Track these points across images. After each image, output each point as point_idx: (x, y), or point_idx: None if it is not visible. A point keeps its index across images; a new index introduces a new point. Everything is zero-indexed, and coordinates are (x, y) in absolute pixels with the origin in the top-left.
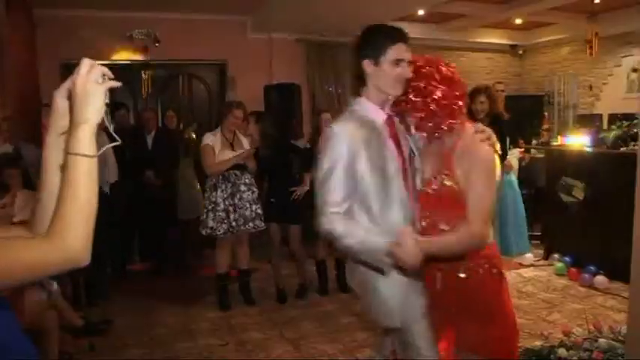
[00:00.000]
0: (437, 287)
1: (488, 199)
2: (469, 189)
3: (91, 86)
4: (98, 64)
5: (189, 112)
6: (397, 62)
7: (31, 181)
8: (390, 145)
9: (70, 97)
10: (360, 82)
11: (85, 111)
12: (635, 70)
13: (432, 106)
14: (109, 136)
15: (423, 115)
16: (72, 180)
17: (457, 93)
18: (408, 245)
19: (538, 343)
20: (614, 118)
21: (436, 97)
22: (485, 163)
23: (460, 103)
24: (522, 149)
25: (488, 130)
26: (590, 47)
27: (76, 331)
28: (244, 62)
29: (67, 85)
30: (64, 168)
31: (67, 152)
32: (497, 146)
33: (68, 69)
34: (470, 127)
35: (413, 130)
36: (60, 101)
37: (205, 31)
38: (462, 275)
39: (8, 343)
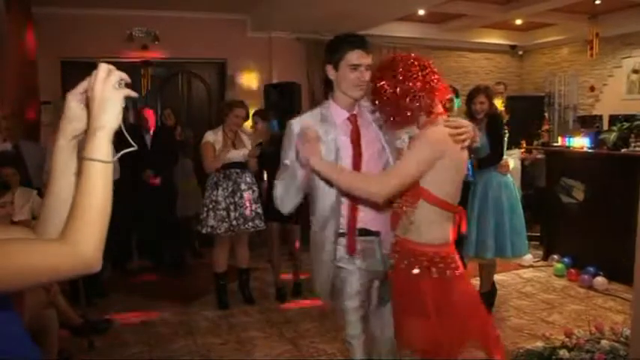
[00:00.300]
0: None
1: (405, 167)
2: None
3: (109, 92)
4: (116, 70)
5: (188, 110)
6: (354, 67)
7: (30, 180)
8: (345, 141)
9: (87, 101)
10: (328, 87)
11: (102, 117)
12: (635, 72)
13: (387, 107)
14: (124, 141)
15: (383, 115)
16: (87, 185)
17: (416, 89)
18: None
19: (539, 344)
20: (614, 119)
21: (388, 96)
22: (422, 138)
23: (422, 99)
24: (523, 150)
25: (465, 125)
26: (591, 48)
27: (76, 329)
28: (244, 61)
29: (81, 88)
30: (78, 173)
31: (83, 157)
32: (477, 139)
33: (68, 66)
34: (441, 120)
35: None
36: (73, 105)
37: (205, 30)
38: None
39: (13, 342)
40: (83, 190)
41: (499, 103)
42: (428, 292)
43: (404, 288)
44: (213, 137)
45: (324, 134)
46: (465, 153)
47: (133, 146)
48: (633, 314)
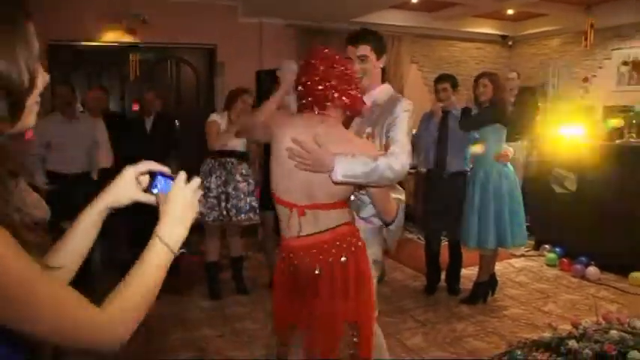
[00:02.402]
0: None
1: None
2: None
3: (192, 198)
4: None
5: (176, 97)
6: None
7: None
8: None
9: (161, 201)
10: None
11: (185, 217)
12: (625, 64)
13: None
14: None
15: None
16: (149, 266)
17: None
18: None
19: (547, 334)
20: (609, 111)
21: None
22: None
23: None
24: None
25: (306, 152)
26: (586, 39)
27: None
28: (234, 47)
29: (144, 168)
30: (146, 248)
31: (160, 237)
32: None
33: (54, 50)
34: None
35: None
36: (129, 179)
37: (195, 15)
38: None
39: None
40: (143, 269)
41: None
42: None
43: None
44: (219, 119)
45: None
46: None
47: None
48: None
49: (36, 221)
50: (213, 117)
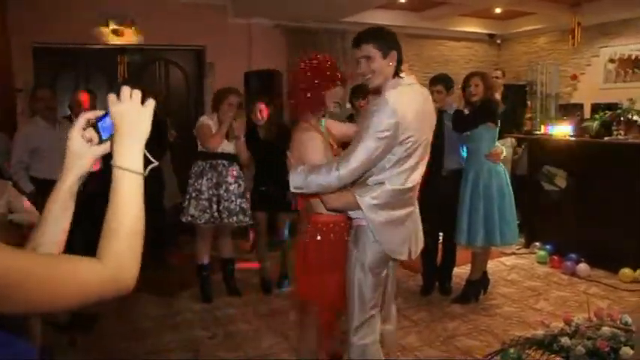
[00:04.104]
0: None
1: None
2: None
3: (137, 111)
4: (135, 90)
5: (165, 99)
6: (357, 62)
7: (1, 170)
8: None
9: (114, 124)
10: None
11: (136, 130)
12: (612, 61)
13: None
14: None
15: None
16: (123, 201)
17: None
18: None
19: (540, 331)
20: (596, 108)
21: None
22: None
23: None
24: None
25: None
26: (573, 37)
27: (59, 326)
28: (223, 48)
29: (82, 122)
30: (112, 183)
31: (117, 166)
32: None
33: (40, 53)
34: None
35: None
36: (77, 140)
37: (183, 16)
38: None
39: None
40: (118, 206)
41: (498, 93)
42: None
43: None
44: (209, 121)
45: None
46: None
47: (153, 162)
48: None
49: (27, 224)
50: (204, 120)
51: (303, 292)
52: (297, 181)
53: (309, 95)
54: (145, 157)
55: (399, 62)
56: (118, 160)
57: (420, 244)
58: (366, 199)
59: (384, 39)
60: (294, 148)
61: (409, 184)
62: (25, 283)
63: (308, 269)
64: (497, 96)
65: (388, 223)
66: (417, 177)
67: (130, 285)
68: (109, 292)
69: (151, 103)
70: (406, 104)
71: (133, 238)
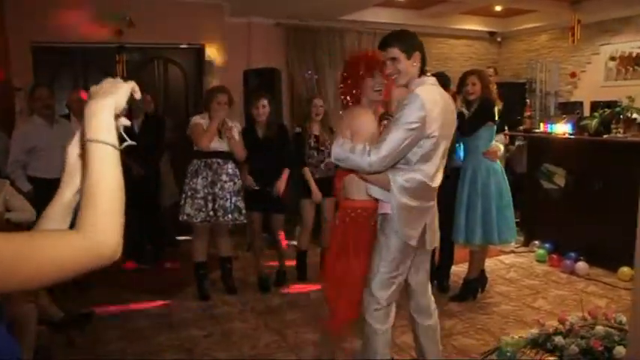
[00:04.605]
0: None
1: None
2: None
3: (114, 84)
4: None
5: (165, 98)
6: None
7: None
8: None
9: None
10: None
11: (107, 99)
12: (612, 59)
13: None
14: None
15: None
16: (95, 170)
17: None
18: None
19: (534, 330)
20: (596, 106)
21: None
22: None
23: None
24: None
25: None
26: (572, 35)
27: (55, 325)
28: (222, 46)
29: (78, 137)
30: (83, 158)
31: (91, 140)
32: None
33: (39, 52)
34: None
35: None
36: (74, 157)
37: (182, 15)
38: None
39: None
40: (96, 179)
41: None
42: None
43: None
44: (202, 120)
45: None
46: None
47: (128, 141)
48: (633, 300)
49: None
50: (196, 119)
51: (330, 276)
52: (337, 152)
53: (349, 82)
54: (121, 136)
55: (423, 62)
56: (93, 134)
57: (437, 237)
58: (399, 179)
59: (408, 41)
60: (345, 125)
61: (434, 184)
62: (4, 260)
63: (335, 251)
64: (493, 92)
65: (410, 209)
66: (439, 179)
67: (113, 255)
68: (92, 263)
69: (130, 82)
70: (432, 101)
71: (113, 210)
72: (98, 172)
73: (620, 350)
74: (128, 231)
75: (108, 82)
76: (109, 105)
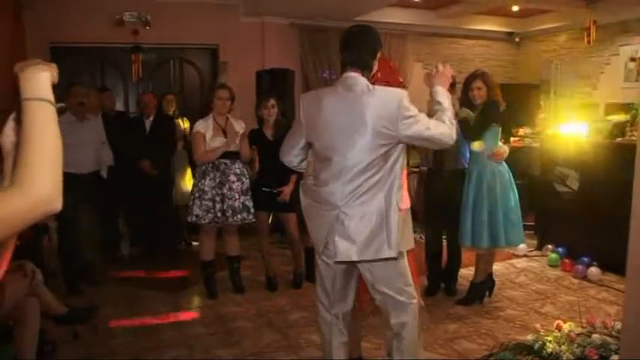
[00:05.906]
0: None
1: None
2: None
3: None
4: None
5: (180, 97)
6: None
7: None
8: None
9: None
10: None
11: (44, 68)
12: (633, 60)
13: None
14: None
15: None
16: (35, 125)
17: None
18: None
19: (530, 337)
20: (611, 108)
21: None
22: None
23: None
24: (518, 139)
25: None
26: (588, 35)
27: (60, 318)
28: (236, 47)
29: (10, 127)
30: (22, 116)
31: (27, 98)
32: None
33: (57, 52)
34: None
35: None
36: (8, 145)
37: (197, 15)
38: None
39: None
40: (30, 131)
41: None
42: None
43: None
44: (204, 126)
45: None
46: None
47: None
48: (625, 305)
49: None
50: (198, 127)
51: None
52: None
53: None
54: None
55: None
56: (31, 93)
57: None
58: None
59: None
60: None
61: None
62: None
63: None
64: (499, 95)
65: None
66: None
67: (49, 200)
68: (35, 217)
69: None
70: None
71: (53, 163)
72: (42, 130)
73: (615, 359)
74: (139, 229)
75: (34, 61)
76: (44, 72)
